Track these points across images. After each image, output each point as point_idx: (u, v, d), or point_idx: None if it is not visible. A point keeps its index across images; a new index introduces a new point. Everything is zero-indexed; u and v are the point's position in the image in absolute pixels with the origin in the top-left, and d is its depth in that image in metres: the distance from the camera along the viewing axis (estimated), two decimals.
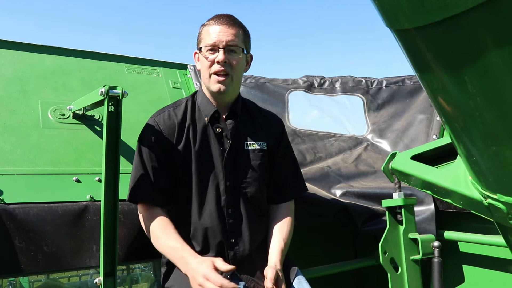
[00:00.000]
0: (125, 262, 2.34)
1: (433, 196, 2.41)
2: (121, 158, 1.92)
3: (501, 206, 1.05)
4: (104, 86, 1.82)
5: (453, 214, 2.46)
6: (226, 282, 1.65)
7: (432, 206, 2.49)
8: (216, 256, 1.94)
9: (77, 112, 2.43)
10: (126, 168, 2.12)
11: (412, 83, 3.43)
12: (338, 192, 2.76)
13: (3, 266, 1.87)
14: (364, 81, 3.51)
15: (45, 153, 2.23)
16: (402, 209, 2.32)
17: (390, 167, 2.10)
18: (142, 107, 2.66)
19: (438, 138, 2.95)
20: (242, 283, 1.93)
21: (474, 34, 0.73)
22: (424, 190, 1.73)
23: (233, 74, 1.97)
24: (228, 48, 1.94)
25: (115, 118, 1.85)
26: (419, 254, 2.29)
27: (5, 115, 2.29)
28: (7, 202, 1.94)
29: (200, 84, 2.98)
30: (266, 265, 1.95)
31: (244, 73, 2.20)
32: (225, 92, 1.98)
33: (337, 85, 3.50)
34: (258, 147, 2.06)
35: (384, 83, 3.49)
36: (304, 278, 2.05)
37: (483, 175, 1.05)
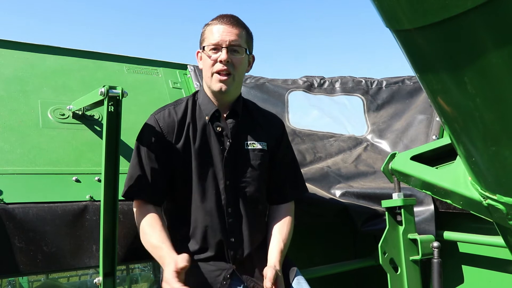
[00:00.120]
0: (124, 262, 2.34)
1: (432, 197, 2.41)
2: (121, 158, 1.92)
3: (500, 206, 1.05)
4: (104, 86, 1.82)
5: (453, 214, 2.46)
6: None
7: (432, 207, 2.49)
8: (216, 255, 1.94)
9: (77, 112, 2.43)
10: (126, 168, 2.12)
11: (412, 83, 3.43)
12: (337, 192, 2.76)
13: (2, 266, 1.87)
14: (364, 81, 3.51)
15: (45, 153, 2.23)
16: (402, 210, 2.32)
17: (389, 167, 2.10)
18: (142, 107, 2.66)
19: (437, 138, 2.95)
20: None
21: (474, 35, 0.73)
22: (423, 190, 1.73)
23: (235, 73, 1.97)
24: (231, 48, 1.94)
25: (115, 118, 1.85)
26: (418, 254, 2.29)
27: (5, 115, 2.29)
28: (6, 202, 1.94)
29: (201, 84, 2.99)
30: (266, 265, 1.95)
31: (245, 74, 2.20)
32: (226, 91, 1.98)
33: (337, 85, 3.51)
34: (258, 147, 2.06)
35: (384, 83, 3.49)
36: (304, 278, 2.06)
37: (482, 175, 1.05)
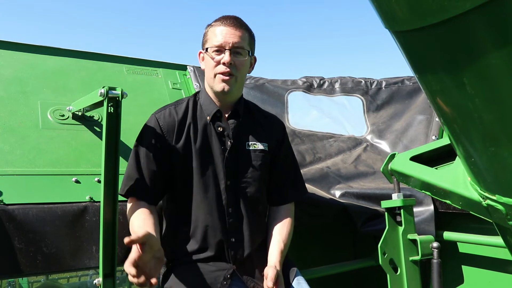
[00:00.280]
0: (124, 263, 2.34)
1: (432, 197, 2.41)
2: (121, 159, 1.92)
3: (499, 207, 1.06)
4: (103, 87, 1.82)
5: (452, 215, 2.46)
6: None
7: (431, 207, 2.49)
8: (216, 255, 1.95)
9: (77, 113, 2.43)
10: (126, 168, 2.12)
11: (411, 84, 3.43)
12: (337, 193, 2.76)
13: (2, 267, 1.87)
14: (363, 81, 3.51)
15: (45, 153, 2.23)
16: (401, 210, 2.32)
17: (389, 168, 2.10)
18: (142, 108, 2.66)
19: (437, 139, 2.95)
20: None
21: (473, 36, 0.73)
22: (423, 191, 1.73)
23: (238, 75, 1.98)
24: (234, 50, 1.95)
25: (114, 119, 1.85)
26: (418, 255, 2.29)
27: (5, 116, 2.29)
28: (6, 203, 1.94)
29: (201, 84, 2.99)
30: (266, 266, 1.96)
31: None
32: (228, 92, 1.99)
33: (337, 85, 3.50)
34: (259, 148, 2.07)
35: (384, 83, 3.49)
36: (304, 278, 2.06)
37: (482, 176, 1.05)
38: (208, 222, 1.96)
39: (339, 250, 3.12)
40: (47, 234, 1.96)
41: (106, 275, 1.89)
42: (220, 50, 1.95)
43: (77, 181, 2.19)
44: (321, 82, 3.52)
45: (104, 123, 1.84)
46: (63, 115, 2.42)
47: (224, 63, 1.94)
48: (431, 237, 2.35)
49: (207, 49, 1.98)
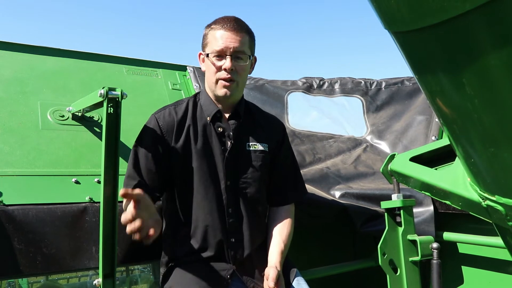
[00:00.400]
0: (124, 264, 2.34)
1: (432, 198, 2.41)
2: (120, 159, 1.92)
3: (499, 207, 1.06)
4: (103, 88, 1.82)
5: (452, 215, 2.46)
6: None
7: (431, 208, 2.49)
8: (216, 255, 1.95)
9: (77, 113, 2.43)
10: (125, 169, 2.12)
11: (411, 84, 3.43)
12: (337, 193, 2.76)
13: (2, 268, 1.87)
14: (363, 82, 3.51)
15: (44, 154, 2.23)
16: (401, 211, 2.32)
17: (389, 168, 2.10)
18: (142, 109, 2.66)
19: (437, 139, 2.95)
20: None
21: (472, 36, 0.73)
22: (423, 191, 1.73)
23: (239, 80, 1.99)
24: (235, 55, 1.94)
25: (114, 120, 1.85)
26: (418, 255, 2.29)
27: (5, 116, 2.29)
28: (6, 203, 1.94)
29: (200, 85, 3.00)
30: (266, 266, 1.96)
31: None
32: (230, 97, 2.00)
33: (336, 86, 3.50)
34: (259, 148, 2.07)
35: (383, 84, 3.49)
36: (303, 279, 2.06)
37: (481, 176, 1.05)
38: (208, 222, 1.96)
39: (339, 251, 3.12)
40: (47, 235, 1.96)
41: (105, 275, 1.89)
42: (221, 55, 1.95)
43: (77, 182, 2.19)
44: (321, 82, 3.52)
45: (104, 123, 1.84)
46: (63, 116, 2.43)
47: (225, 69, 1.94)
48: (430, 237, 2.35)
49: (208, 54, 1.97)
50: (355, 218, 2.60)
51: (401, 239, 2.31)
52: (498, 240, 2.05)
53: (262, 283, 1.93)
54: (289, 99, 3.36)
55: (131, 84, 2.86)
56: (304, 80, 3.51)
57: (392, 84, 3.48)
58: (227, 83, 1.96)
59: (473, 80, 0.78)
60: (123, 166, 1.99)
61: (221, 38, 1.93)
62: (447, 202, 1.52)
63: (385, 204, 2.36)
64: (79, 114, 2.44)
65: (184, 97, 2.59)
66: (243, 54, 1.97)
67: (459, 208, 1.41)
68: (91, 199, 2.13)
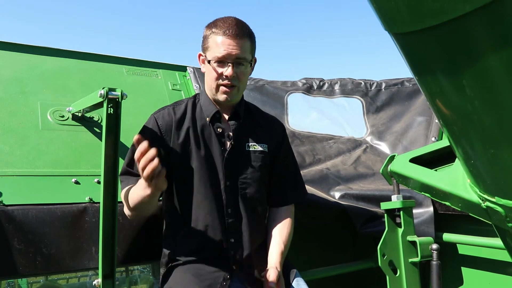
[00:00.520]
0: (124, 264, 2.34)
1: (431, 199, 2.41)
2: (120, 160, 1.92)
3: (499, 209, 1.06)
4: (103, 88, 1.83)
5: (452, 216, 2.46)
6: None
7: (431, 209, 2.49)
8: (215, 255, 1.95)
9: (77, 113, 2.43)
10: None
11: (411, 85, 3.43)
12: (337, 194, 2.76)
13: (2, 268, 1.87)
14: (363, 83, 3.52)
15: (44, 154, 2.23)
16: (401, 212, 2.32)
17: (388, 169, 2.10)
18: (142, 109, 2.65)
19: (437, 140, 2.95)
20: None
21: (472, 38, 0.73)
22: (422, 192, 1.73)
23: (240, 85, 2.00)
24: (237, 62, 1.94)
25: (114, 120, 1.86)
26: (417, 256, 2.29)
27: (5, 117, 2.29)
28: (6, 203, 1.94)
29: (200, 85, 2.99)
30: (265, 267, 1.96)
31: None
32: (230, 101, 2.01)
33: (336, 87, 3.50)
34: (259, 149, 2.07)
35: (383, 85, 3.49)
36: (303, 280, 2.06)
37: (481, 178, 1.05)
38: (208, 223, 1.96)
39: (339, 252, 3.12)
40: (46, 235, 1.96)
41: (105, 276, 1.89)
42: (222, 62, 1.94)
43: (76, 182, 2.19)
44: (321, 83, 3.52)
45: (104, 124, 1.84)
46: (63, 116, 2.42)
47: (226, 76, 1.94)
48: (430, 238, 2.35)
49: (209, 61, 1.96)
50: (355, 219, 2.60)
51: (400, 240, 2.31)
52: (497, 241, 2.05)
53: (262, 284, 1.93)
54: (289, 100, 3.36)
55: (131, 85, 2.86)
56: (304, 81, 3.51)
57: (392, 85, 3.48)
58: (228, 89, 1.96)
59: (473, 81, 0.78)
60: None
61: (223, 45, 1.92)
62: (447, 203, 1.52)
63: (385, 205, 2.36)
64: (79, 115, 2.44)
65: (184, 98, 2.59)
66: (244, 61, 1.96)
67: (459, 209, 1.42)
68: (91, 199, 2.13)
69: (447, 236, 2.42)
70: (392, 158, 2.11)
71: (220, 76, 1.95)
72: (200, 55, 2.05)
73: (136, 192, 1.79)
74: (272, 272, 1.89)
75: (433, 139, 2.99)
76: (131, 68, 2.99)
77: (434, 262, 2.25)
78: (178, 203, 2.01)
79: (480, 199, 1.13)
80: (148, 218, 2.18)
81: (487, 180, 1.04)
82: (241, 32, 1.94)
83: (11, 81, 2.47)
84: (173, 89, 3.01)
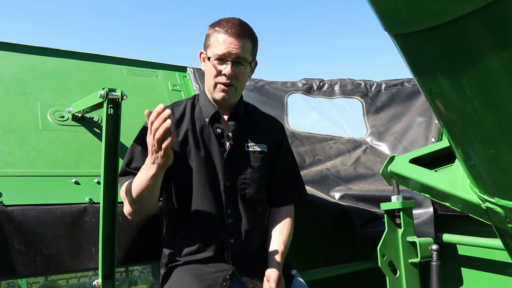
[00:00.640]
0: (123, 264, 2.34)
1: (431, 199, 2.41)
2: (120, 160, 1.92)
3: (499, 209, 1.05)
4: (103, 89, 1.83)
5: (452, 217, 2.46)
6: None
7: (431, 209, 2.49)
8: (215, 256, 1.95)
9: (77, 114, 2.43)
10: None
11: (411, 86, 3.43)
12: (337, 195, 2.76)
13: (2, 268, 1.87)
14: (363, 84, 3.52)
15: (44, 155, 2.23)
16: (401, 212, 2.32)
17: (388, 170, 2.10)
18: (142, 110, 2.64)
19: (437, 141, 2.95)
20: None
21: (472, 39, 0.73)
22: (422, 193, 1.73)
23: (238, 85, 2.00)
24: (236, 61, 1.94)
25: (114, 120, 1.86)
26: (417, 257, 2.29)
27: (5, 117, 2.29)
28: (6, 204, 1.94)
29: (200, 86, 3.00)
30: (265, 267, 1.96)
31: None
32: (227, 100, 2.01)
33: (336, 88, 3.51)
34: (258, 149, 2.07)
35: (383, 86, 3.50)
36: (303, 280, 2.06)
37: (481, 178, 1.05)
38: (208, 223, 1.96)
39: (339, 252, 3.12)
40: (46, 235, 1.96)
41: (105, 276, 1.89)
42: (222, 59, 1.94)
43: (76, 183, 2.19)
44: (321, 84, 3.52)
45: (104, 124, 1.84)
46: (63, 117, 2.42)
47: (225, 74, 1.94)
48: (430, 239, 2.35)
49: (209, 58, 1.97)
50: (354, 220, 2.60)
51: (400, 240, 2.31)
52: (497, 242, 2.05)
53: (262, 284, 1.94)
54: (289, 101, 3.36)
55: (131, 85, 2.86)
56: (304, 82, 3.51)
57: (392, 86, 3.48)
58: (225, 88, 1.96)
59: (473, 82, 0.78)
60: None
61: (224, 43, 1.93)
62: (447, 204, 1.52)
63: (384, 206, 2.36)
64: (79, 115, 2.44)
65: (184, 98, 2.59)
66: (244, 61, 1.96)
67: (459, 210, 1.42)
68: (90, 199, 2.13)
69: (447, 237, 2.42)
70: (392, 158, 2.11)
71: (218, 73, 1.95)
72: (201, 53, 2.06)
73: (139, 178, 1.81)
74: (272, 272, 1.89)
75: (433, 139, 2.99)
76: (131, 68, 2.99)
77: (434, 263, 2.25)
78: (177, 203, 2.01)
79: (480, 199, 1.13)
80: (148, 218, 2.18)
81: (487, 180, 1.04)
82: (244, 32, 1.95)
83: (11, 81, 2.47)
84: (173, 90, 3.01)
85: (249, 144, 2.06)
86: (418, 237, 2.34)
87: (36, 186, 2.09)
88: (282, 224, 2.11)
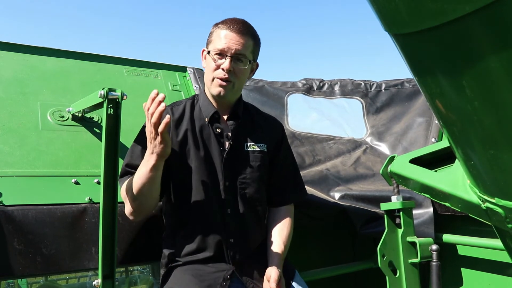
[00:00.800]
0: (123, 264, 2.34)
1: (431, 200, 2.41)
2: (120, 160, 1.92)
3: (499, 210, 1.05)
4: (103, 89, 1.83)
5: (452, 217, 2.46)
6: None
7: (431, 209, 2.48)
8: (215, 256, 1.95)
9: (77, 114, 2.43)
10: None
11: (411, 86, 3.44)
12: (337, 195, 2.76)
13: (1, 268, 1.87)
14: (363, 84, 3.52)
15: (44, 155, 2.23)
16: (401, 213, 2.32)
17: (388, 170, 2.10)
18: (141, 110, 2.64)
19: (437, 141, 2.95)
20: None
21: (472, 39, 0.73)
22: (422, 193, 1.73)
23: (235, 81, 1.99)
24: (236, 57, 1.95)
25: (114, 121, 1.85)
26: (417, 257, 2.29)
27: (4, 117, 2.28)
28: (5, 204, 1.94)
29: (201, 86, 3.00)
30: (265, 267, 1.96)
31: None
32: (224, 97, 2.00)
33: (336, 88, 3.51)
34: (258, 149, 2.07)
35: (383, 86, 3.50)
36: (303, 280, 2.06)
37: (481, 179, 1.05)
38: (207, 223, 1.96)
39: (339, 252, 3.12)
40: (46, 236, 1.96)
41: (105, 276, 1.89)
42: (221, 54, 1.95)
43: (76, 183, 2.19)
44: (321, 84, 3.52)
45: (104, 124, 1.84)
46: (62, 117, 2.42)
47: (223, 69, 1.94)
48: (430, 239, 2.35)
49: (209, 52, 1.98)
50: (354, 220, 2.60)
51: (400, 241, 2.31)
52: (497, 242, 2.05)
53: (262, 284, 1.94)
54: (289, 101, 3.36)
55: (131, 85, 2.86)
56: (304, 82, 3.51)
57: (392, 86, 3.48)
58: (223, 83, 1.96)
59: (473, 82, 0.78)
60: None
61: (225, 38, 1.94)
62: (447, 204, 1.52)
63: (384, 206, 2.36)
64: (79, 115, 2.44)
65: (184, 98, 2.59)
66: (243, 57, 1.97)
67: (459, 210, 1.41)
68: (90, 200, 2.13)
69: (447, 237, 2.42)
70: (392, 159, 2.11)
71: (217, 68, 1.96)
72: (203, 50, 2.06)
73: (139, 172, 1.82)
74: (273, 272, 1.89)
75: (433, 139, 2.99)
76: (131, 68, 2.99)
77: (434, 263, 2.25)
78: (177, 203, 2.01)
79: (480, 200, 1.13)
80: (148, 218, 2.18)
81: (487, 181, 1.04)
82: (246, 30, 1.96)
83: (11, 81, 2.47)
84: (173, 90, 3.01)
85: (249, 144, 2.06)
86: (418, 237, 2.34)
87: (36, 186, 2.09)
88: (282, 224, 2.11)
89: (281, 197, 2.17)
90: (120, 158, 1.91)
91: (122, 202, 1.97)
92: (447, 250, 2.49)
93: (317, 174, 2.92)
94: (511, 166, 0.90)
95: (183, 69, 3.20)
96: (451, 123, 0.92)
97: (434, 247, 2.28)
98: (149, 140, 1.73)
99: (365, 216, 2.60)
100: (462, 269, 2.48)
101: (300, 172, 2.34)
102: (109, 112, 1.84)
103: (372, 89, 3.49)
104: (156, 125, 1.67)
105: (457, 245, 2.49)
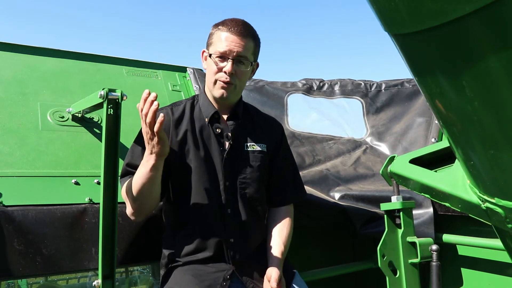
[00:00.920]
0: (123, 265, 2.34)
1: (431, 200, 2.41)
2: (120, 160, 1.92)
3: (499, 210, 1.05)
4: (103, 89, 1.83)
5: (452, 217, 2.46)
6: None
7: (431, 210, 2.48)
8: (215, 256, 1.95)
9: (76, 114, 2.43)
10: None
11: (411, 86, 3.44)
12: (336, 195, 2.76)
13: (1, 269, 1.87)
14: (363, 84, 3.52)
15: (44, 155, 2.23)
16: (401, 213, 2.32)
17: (388, 170, 2.10)
18: None
19: (437, 141, 2.95)
20: None
21: (472, 39, 0.73)
22: (422, 193, 1.73)
23: (237, 83, 1.99)
24: (237, 59, 1.95)
25: (114, 121, 1.86)
26: (417, 257, 2.29)
27: (5, 118, 2.28)
28: (5, 204, 1.94)
29: (201, 86, 3.00)
30: (265, 267, 1.97)
31: None
32: (226, 98, 2.00)
33: (336, 88, 3.51)
34: (258, 149, 2.07)
35: (383, 86, 3.50)
36: (303, 280, 2.06)
37: (481, 179, 1.05)
38: (207, 223, 1.96)
39: (339, 252, 3.12)
40: (46, 236, 1.96)
41: (105, 276, 1.89)
42: (223, 57, 1.95)
43: (76, 183, 2.19)
44: (321, 84, 3.52)
45: (103, 124, 1.84)
46: (62, 117, 2.42)
47: (225, 72, 1.94)
48: (430, 239, 2.35)
49: (211, 55, 1.98)
50: (354, 220, 2.60)
51: (400, 241, 2.31)
52: (497, 242, 2.05)
53: (262, 284, 1.94)
54: (289, 101, 3.36)
55: (131, 85, 2.86)
56: (304, 82, 3.51)
57: (392, 86, 3.48)
58: (225, 85, 1.96)
59: (473, 82, 0.78)
60: None
61: (226, 41, 1.93)
62: (447, 204, 1.52)
63: (384, 206, 2.36)
64: (79, 115, 2.44)
65: (184, 98, 2.59)
66: (245, 59, 1.97)
67: (459, 210, 1.41)
68: (90, 200, 2.13)
69: (447, 237, 2.42)
70: (392, 159, 2.11)
71: (219, 71, 1.96)
72: (203, 52, 2.06)
73: (139, 173, 1.82)
74: (273, 272, 1.89)
75: (433, 140, 2.99)
76: (131, 69, 2.99)
77: (434, 263, 2.25)
78: (177, 203, 2.01)
79: (480, 200, 1.13)
80: (148, 218, 2.18)
81: (487, 181, 1.04)
82: (246, 31, 1.96)
83: (11, 82, 2.47)
84: (173, 90, 3.01)
85: (249, 144, 2.07)
86: (418, 237, 2.34)
87: (36, 187, 2.09)
88: (282, 224, 2.11)
89: (281, 197, 2.17)
90: (120, 158, 1.91)
91: (122, 202, 1.97)
92: (447, 250, 2.49)
93: (317, 174, 2.92)
94: (511, 166, 0.90)
95: (183, 69, 3.20)
96: (451, 123, 0.92)
97: (434, 247, 2.28)
98: (146, 140, 1.73)
99: (365, 216, 2.60)
100: (462, 269, 2.48)
101: (300, 172, 2.34)
102: (109, 113, 1.84)
103: (372, 89, 3.49)
104: (152, 125, 1.68)
105: (457, 245, 2.49)
